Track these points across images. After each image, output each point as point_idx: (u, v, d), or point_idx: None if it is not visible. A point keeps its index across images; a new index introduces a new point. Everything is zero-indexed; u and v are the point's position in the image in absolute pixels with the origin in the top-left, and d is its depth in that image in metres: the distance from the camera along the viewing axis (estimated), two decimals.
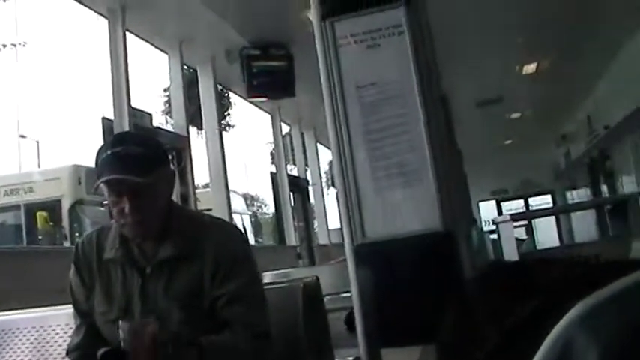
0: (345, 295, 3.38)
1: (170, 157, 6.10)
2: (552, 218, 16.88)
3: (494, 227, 9.71)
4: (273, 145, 11.85)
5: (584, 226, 14.04)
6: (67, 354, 2.10)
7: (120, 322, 1.83)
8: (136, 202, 1.90)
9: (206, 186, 10.40)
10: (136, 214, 1.90)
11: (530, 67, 10.69)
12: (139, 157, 1.92)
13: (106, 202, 1.99)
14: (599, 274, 0.75)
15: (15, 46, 10.08)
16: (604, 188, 13.88)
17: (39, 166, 14.37)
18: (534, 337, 0.61)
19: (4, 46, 9.71)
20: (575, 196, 17.45)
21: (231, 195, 8.82)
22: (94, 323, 2.05)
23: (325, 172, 14.33)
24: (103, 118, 6.13)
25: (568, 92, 12.40)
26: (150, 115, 7.00)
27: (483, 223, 16.20)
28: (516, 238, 8.14)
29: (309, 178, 12.53)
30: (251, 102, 10.12)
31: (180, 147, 7.26)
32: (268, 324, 2.00)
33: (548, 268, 0.89)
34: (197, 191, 7.85)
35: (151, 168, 1.94)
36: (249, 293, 1.98)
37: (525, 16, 7.99)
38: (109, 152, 1.91)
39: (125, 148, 1.92)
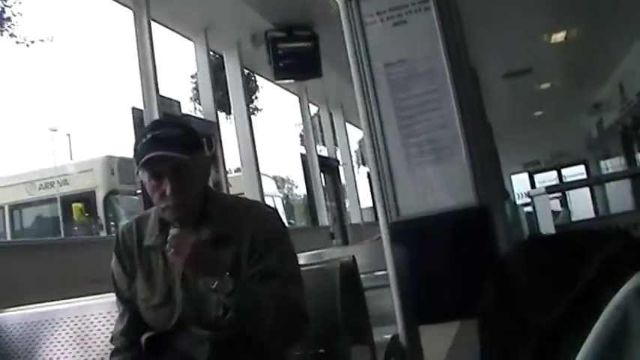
0: (380, 273, 3.39)
1: None
2: (587, 189, 16.65)
3: (527, 200, 9.61)
4: (302, 127, 11.85)
5: (620, 196, 13.84)
6: (111, 341, 2.13)
7: (171, 229, 1.95)
8: (177, 183, 1.92)
9: (237, 170, 10.46)
10: (177, 196, 1.92)
11: (558, 36, 10.52)
12: (179, 138, 1.95)
13: (139, 191, 2.02)
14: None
15: (42, 41, 10.15)
16: (639, 156, 13.67)
17: (71, 159, 14.57)
18: (592, 309, 0.61)
19: (32, 42, 9.78)
20: (608, 165, 17.20)
21: (263, 178, 8.86)
22: (136, 310, 2.07)
23: (355, 151, 14.31)
24: (133, 108, 6.18)
25: (599, 60, 12.18)
26: (178, 102, 7.05)
27: (516, 197, 16.05)
28: (551, 211, 8.03)
29: (339, 157, 12.52)
30: (278, 84, 10.13)
31: (210, 133, 7.30)
32: (304, 304, 2.00)
33: (589, 240, 0.88)
34: (228, 176, 7.90)
35: (192, 148, 1.98)
36: (284, 270, 1.97)
37: None
38: (148, 136, 1.93)
39: (164, 131, 1.95)
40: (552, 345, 0.72)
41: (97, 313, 2.52)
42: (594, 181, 15.94)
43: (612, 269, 0.68)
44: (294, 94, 10.85)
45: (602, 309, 0.59)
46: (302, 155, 10.93)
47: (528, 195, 8.33)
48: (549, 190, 7.23)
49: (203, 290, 1.93)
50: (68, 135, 17.45)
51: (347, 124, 12.68)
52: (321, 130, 12.45)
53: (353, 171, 12.97)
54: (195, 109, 11.49)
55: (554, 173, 19.32)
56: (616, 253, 0.72)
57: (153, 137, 1.92)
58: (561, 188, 14.23)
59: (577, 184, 14.94)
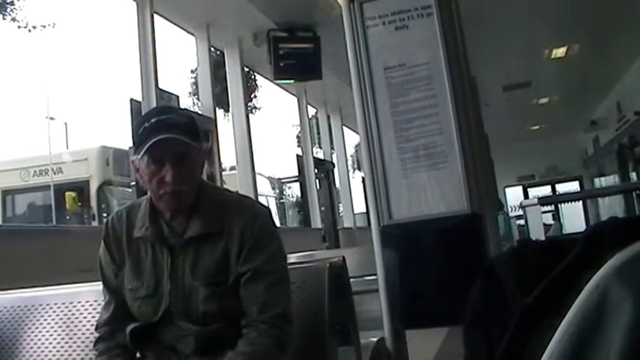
0: (370, 277, 3.39)
1: None
2: (580, 205, 16.68)
3: (520, 213, 9.65)
4: (299, 128, 11.86)
5: (613, 212, 13.87)
6: (96, 329, 2.12)
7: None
8: (179, 170, 1.92)
9: (232, 168, 10.44)
10: (178, 183, 1.92)
11: (559, 51, 10.56)
12: (186, 124, 1.95)
13: (133, 183, 2.02)
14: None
15: (44, 27, 10.10)
16: (633, 175, 13.72)
17: (67, 147, 14.53)
18: (571, 288, 0.62)
19: (34, 27, 9.74)
20: (603, 183, 17.25)
21: (257, 177, 8.85)
22: (123, 300, 2.06)
23: (351, 156, 14.32)
24: (131, 100, 6.18)
25: (598, 77, 12.23)
26: (177, 96, 7.04)
27: (510, 209, 16.09)
28: (543, 224, 8.07)
29: (334, 160, 12.53)
30: (277, 84, 10.13)
31: (207, 128, 7.30)
32: (289, 306, 1.99)
33: (574, 245, 0.89)
34: (223, 173, 7.89)
35: (197, 136, 1.98)
36: (271, 271, 1.97)
37: None
38: (153, 120, 1.92)
39: (171, 116, 1.95)
40: (531, 323, 0.73)
41: (84, 301, 2.52)
42: (586, 195, 15.97)
43: (593, 249, 0.69)
44: (293, 94, 10.85)
45: (582, 288, 0.60)
46: (298, 156, 10.93)
47: (521, 205, 8.36)
48: (541, 201, 7.26)
49: (191, 284, 1.93)
50: (65, 124, 17.41)
51: (344, 127, 12.69)
52: (318, 133, 12.45)
53: (348, 175, 12.98)
54: (194, 104, 11.48)
55: (548, 188, 19.35)
56: (597, 231, 0.74)
57: (159, 121, 1.91)
58: (553, 200, 14.24)
59: (569, 197, 14.94)
